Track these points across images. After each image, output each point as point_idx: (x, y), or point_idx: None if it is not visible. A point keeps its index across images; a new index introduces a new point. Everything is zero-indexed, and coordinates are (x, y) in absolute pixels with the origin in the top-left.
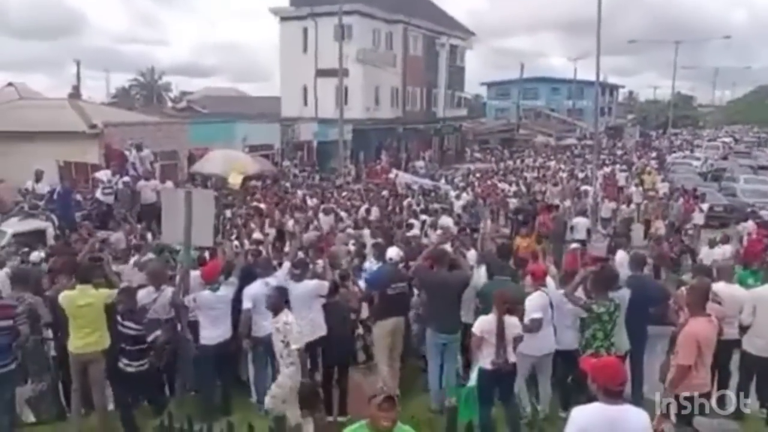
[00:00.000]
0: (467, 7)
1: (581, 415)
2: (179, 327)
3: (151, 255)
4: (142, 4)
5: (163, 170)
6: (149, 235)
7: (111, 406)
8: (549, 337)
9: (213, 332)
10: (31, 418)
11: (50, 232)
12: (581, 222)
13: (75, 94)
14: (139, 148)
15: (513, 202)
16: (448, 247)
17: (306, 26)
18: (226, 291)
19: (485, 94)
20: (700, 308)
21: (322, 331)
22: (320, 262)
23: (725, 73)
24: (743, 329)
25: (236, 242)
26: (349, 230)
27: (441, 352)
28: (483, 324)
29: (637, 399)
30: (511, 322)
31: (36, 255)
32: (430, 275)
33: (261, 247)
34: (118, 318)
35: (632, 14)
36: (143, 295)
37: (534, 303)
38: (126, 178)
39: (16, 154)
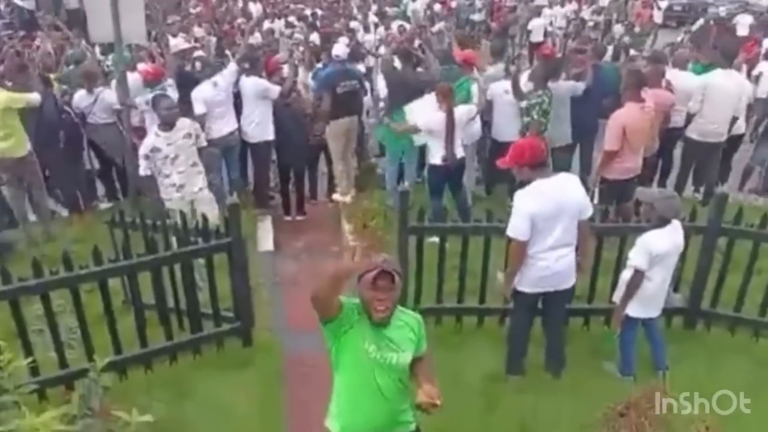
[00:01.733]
0: None
1: (526, 195)
2: (123, 131)
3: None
4: None
5: None
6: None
7: (65, 213)
8: (476, 126)
9: None
10: None
11: None
12: (537, 23)
13: None
14: None
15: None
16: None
17: None
18: (173, 93)
19: None
20: (634, 94)
21: (268, 135)
22: (285, 68)
23: None
24: (689, 117)
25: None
26: (297, 35)
27: (401, 151)
28: (430, 122)
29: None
30: (461, 111)
31: None
32: (396, 74)
33: (203, 51)
34: None
35: None
36: (80, 99)
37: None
38: None
39: None
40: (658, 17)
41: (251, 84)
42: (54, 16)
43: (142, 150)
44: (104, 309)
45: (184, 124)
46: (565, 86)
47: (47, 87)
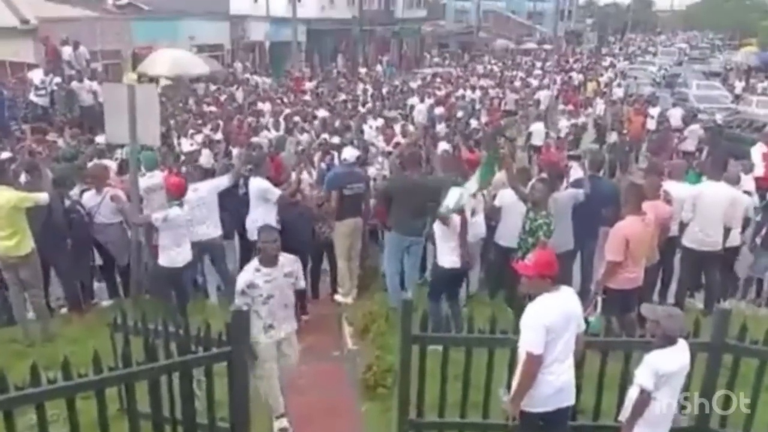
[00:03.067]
0: None
1: (539, 308)
2: (128, 231)
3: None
4: None
5: (106, 70)
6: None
7: (65, 310)
8: (481, 225)
9: (181, 253)
10: None
11: None
12: (538, 127)
13: None
14: (75, 45)
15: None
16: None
17: None
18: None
19: None
20: (634, 207)
21: None
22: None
23: None
24: (681, 226)
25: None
26: (306, 134)
27: (404, 254)
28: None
29: (584, 294)
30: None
31: None
32: (403, 179)
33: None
34: None
35: None
36: (88, 199)
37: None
38: (58, 79)
39: None
40: (651, 124)
41: (254, 185)
42: (69, 113)
43: (239, 285)
44: (98, 418)
45: (287, 260)
46: (568, 194)
47: (57, 187)
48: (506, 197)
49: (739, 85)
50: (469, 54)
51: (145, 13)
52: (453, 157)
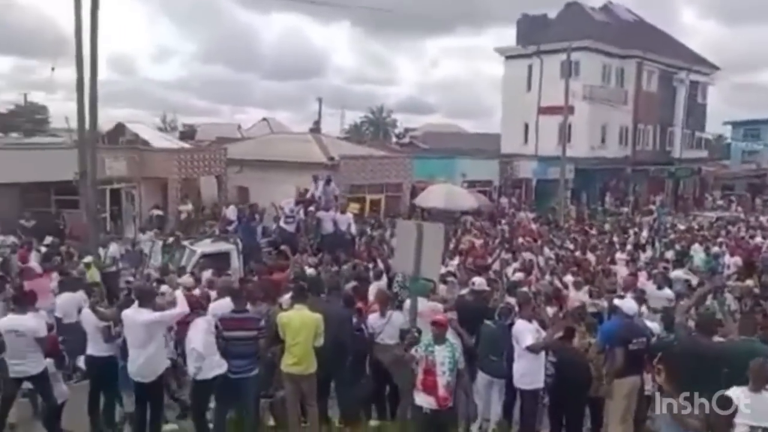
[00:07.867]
0: (710, 39)
1: None
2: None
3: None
4: (374, 48)
5: (387, 203)
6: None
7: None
8: None
9: None
10: (271, 422)
11: (234, 255)
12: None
13: (316, 128)
14: (328, 182)
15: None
16: None
17: (531, 64)
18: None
19: (730, 135)
20: None
21: None
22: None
23: None
24: None
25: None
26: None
27: None
28: None
29: None
30: None
31: None
32: (693, 342)
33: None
34: None
35: None
36: (374, 320)
37: None
38: (312, 208)
39: (267, 180)
40: None
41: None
42: (314, 239)
43: None
44: None
45: None
46: None
47: (348, 306)
48: None
49: None
50: (761, 198)
51: (423, 151)
52: (753, 319)
